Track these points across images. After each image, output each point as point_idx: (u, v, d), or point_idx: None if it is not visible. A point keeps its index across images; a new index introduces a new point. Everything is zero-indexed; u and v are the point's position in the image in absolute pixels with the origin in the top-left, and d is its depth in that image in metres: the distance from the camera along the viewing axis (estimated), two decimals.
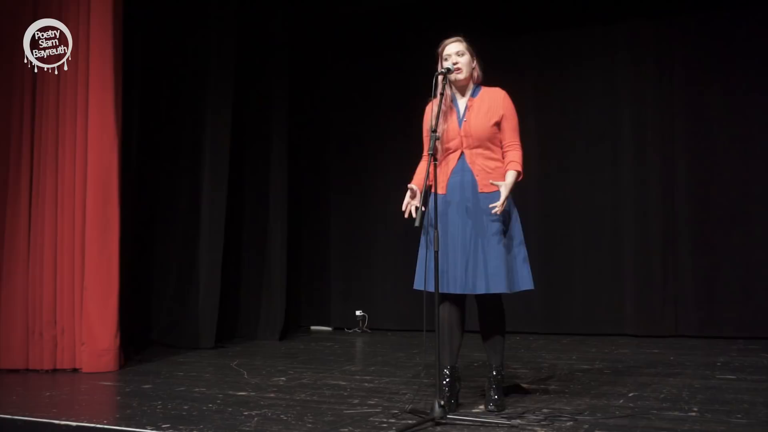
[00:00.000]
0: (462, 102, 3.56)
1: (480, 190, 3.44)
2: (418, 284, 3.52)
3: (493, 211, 3.35)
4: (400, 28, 6.86)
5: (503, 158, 3.51)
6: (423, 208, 3.31)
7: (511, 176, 3.43)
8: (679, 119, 6.16)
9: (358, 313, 7.03)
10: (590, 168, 6.41)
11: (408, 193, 3.46)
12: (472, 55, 3.54)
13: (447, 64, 3.48)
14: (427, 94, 3.50)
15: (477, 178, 3.45)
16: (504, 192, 3.35)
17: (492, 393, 3.47)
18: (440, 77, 3.45)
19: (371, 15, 6.93)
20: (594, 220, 6.37)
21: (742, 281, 5.88)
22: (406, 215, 3.44)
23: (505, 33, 6.55)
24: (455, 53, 3.50)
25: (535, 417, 3.22)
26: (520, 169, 3.46)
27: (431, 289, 3.30)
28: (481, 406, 3.48)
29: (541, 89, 6.57)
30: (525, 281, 3.47)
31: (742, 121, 5.97)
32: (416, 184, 3.50)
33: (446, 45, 3.53)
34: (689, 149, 6.11)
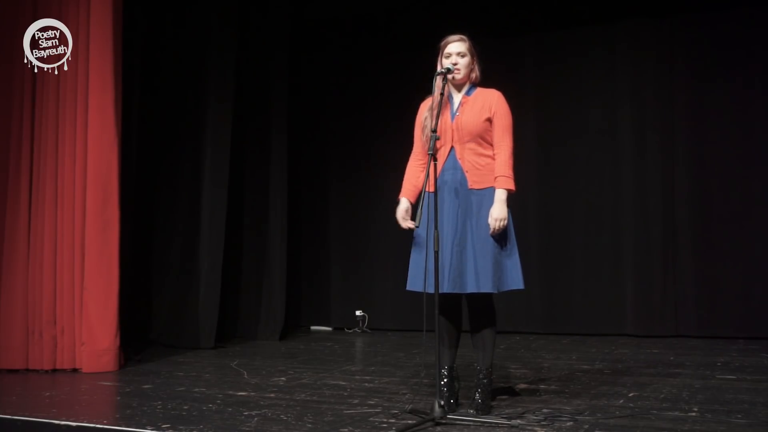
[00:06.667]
0: (457, 98, 3.54)
1: (470, 187, 3.41)
2: (410, 284, 3.51)
3: (491, 232, 3.33)
4: (401, 27, 6.87)
5: (494, 157, 3.46)
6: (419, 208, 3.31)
7: (500, 195, 3.38)
8: (679, 119, 6.16)
9: (358, 313, 7.03)
10: (590, 168, 6.41)
11: (401, 212, 3.51)
12: (473, 56, 3.52)
13: (447, 63, 3.46)
14: (427, 93, 3.50)
15: (467, 174, 3.43)
16: (498, 211, 3.33)
17: (477, 396, 3.44)
18: (440, 77, 3.44)
19: (372, 14, 6.93)
20: (594, 220, 6.37)
21: (742, 281, 5.88)
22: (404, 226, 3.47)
23: (505, 33, 6.55)
24: (456, 53, 3.47)
25: (535, 417, 3.23)
26: (511, 186, 3.40)
27: (422, 289, 3.31)
28: None
29: (541, 88, 6.57)
30: (515, 281, 3.41)
31: (743, 121, 5.96)
32: (407, 195, 3.55)
33: (449, 43, 3.50)
34: (689, 149, 6.11)
